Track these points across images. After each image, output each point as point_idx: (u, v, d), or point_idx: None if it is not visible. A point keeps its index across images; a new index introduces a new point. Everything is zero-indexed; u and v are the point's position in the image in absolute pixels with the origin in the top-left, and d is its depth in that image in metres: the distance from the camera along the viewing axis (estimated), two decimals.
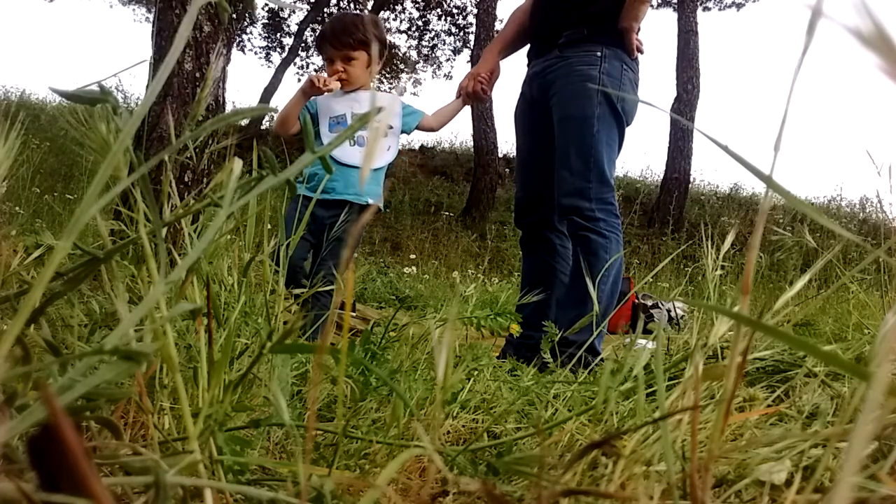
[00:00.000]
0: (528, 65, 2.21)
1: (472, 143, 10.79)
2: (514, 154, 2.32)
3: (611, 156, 1.99)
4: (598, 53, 2.00)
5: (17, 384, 0.38)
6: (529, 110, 2.18)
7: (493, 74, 2.21)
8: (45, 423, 0.24)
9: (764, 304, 0.52)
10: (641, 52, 2.05)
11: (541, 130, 2.12)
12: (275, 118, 2.15)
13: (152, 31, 2.86)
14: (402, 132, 2.21)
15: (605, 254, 1.94)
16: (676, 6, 10.61)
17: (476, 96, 2.19)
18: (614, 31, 2.00)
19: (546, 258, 2.17)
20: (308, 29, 13.24)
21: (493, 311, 0.95)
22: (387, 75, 14.75)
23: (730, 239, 0.64)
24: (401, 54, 14.76)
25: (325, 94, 2.07)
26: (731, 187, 11.91)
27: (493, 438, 0.75)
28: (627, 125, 2.06)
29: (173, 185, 0.60)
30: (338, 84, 2.06)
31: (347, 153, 2.07)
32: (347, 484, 0.52)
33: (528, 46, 2.25)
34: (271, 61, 14.73)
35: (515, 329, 1.95)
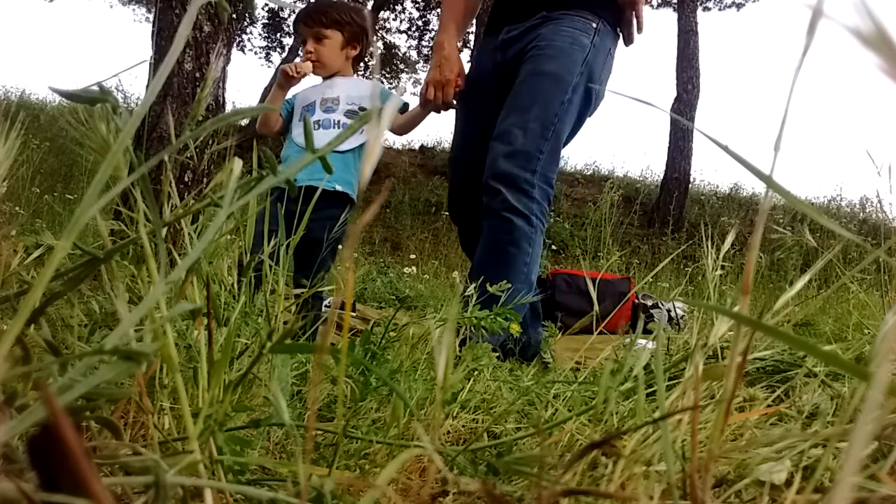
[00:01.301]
0: (496, 33, 1.84)
1: None
2: None
3: (566, 137, 1.69)
4: (594, 25, 1.71)
5: (17, 384, 0.38)
6: (489, 84, 1.81)
7: (461, 78, 1.84)
8: (45, 423, 0.24)
9: (764, 304, 0.52)
10: (641, 31, 1.78)
11: (494, 111, 1.75)
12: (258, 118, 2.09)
13: (152, 31, 2.86)
14: None
15: (528, 247, 1.58)
16: (676, 6, 10.61)
17: (447, 104, 1.83)
18: (614, 7, 1.73)
19: None
20: None
21: (493, 311, 0.95)
22: (387, 75, 14.75)
23: (730, 239, 0.64)
24: (401, 54, 14.76)
25: (305, 85, 2.00)
26: (731, 187, 11.91)
27: (493, 438, 0.75)
28: (590, 115, 1.78)
29: (173, 185, 0.60)
30: (310, 66, 1.97)
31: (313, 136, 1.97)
32: (347, 484, 0.52)
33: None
34: (271, 61, 14.74)
35: (515, 329, 1.91)
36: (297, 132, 2.01)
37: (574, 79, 1.64)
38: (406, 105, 2.03)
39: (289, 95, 2.08)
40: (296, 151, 1.99)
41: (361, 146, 1.99)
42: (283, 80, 1.97)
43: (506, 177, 1.58)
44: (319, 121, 1.97)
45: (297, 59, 2.12)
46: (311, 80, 2.08)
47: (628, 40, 1.81)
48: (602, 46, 1.71)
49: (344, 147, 1.93)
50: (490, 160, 1.62)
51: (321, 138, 1.99)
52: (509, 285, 1.07)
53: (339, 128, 1.95)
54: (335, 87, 2.03)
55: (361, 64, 2.20)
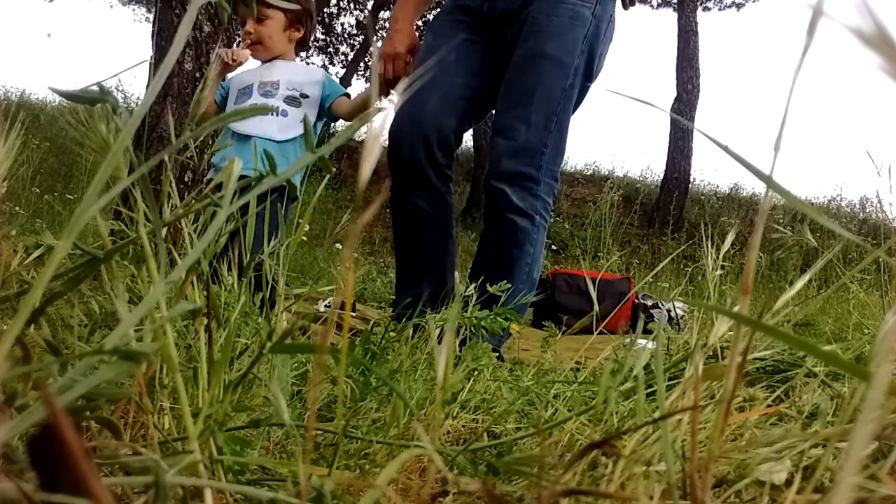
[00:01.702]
0: None
1: (471, 143, 10.78)
2: None
3: (569, 121, 1.60)
4: None
5: (17, 384, 0.38)
6: (472, 26, 1.63)
7: (415, 53, 1.65)
8: (45, 423, 0.24)
9: (764, 304, 0.52)
10: None
11: (476, 49, 1.60)
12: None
13: (152, 31, 2.87)
14: (328, 112, 1.88)
15: (531, 248, 1.54)
16: (676, 6, 10.61)
17: (397, 83, 1.58)
18: None
19: (433, 214, 1.61)
20: None
21: (493, 311, 0.95)
22: None
23: (730, 239, 0.64)
24: None
25: (243, 68, 1.86)
26: (731, 187, 11.90)
27: (493, 438, 0.75)
28: (591, 83, 1.64)
29: (173, 185, 0.60)
30: (247, 54, 1.85)
31: (248, 122, 1.78)
32: (347, 484, 0.52)
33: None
34: None
35: (515, 329, 1.88)
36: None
37: (575, 60, 1.54)
38: (348, 94, 1.92)
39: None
40: (232, 139, 1.82)
41: (302, 136, 1.90)
42: (220, 68, 1.83)
43: (510, 175, 1.51)
44: (258, 104, 1.77)
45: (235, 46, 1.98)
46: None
47: (629, 3, 1.68)
48: (604, 15, 1.58)
49: (281, 136, 1.80)
50: (493, 158, 1.54)
51: (257, 125, 1.77)
52: (509, 285, 1.06)
53: (277, 115, 1.81)
54: (275, 70, 1.88)
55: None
